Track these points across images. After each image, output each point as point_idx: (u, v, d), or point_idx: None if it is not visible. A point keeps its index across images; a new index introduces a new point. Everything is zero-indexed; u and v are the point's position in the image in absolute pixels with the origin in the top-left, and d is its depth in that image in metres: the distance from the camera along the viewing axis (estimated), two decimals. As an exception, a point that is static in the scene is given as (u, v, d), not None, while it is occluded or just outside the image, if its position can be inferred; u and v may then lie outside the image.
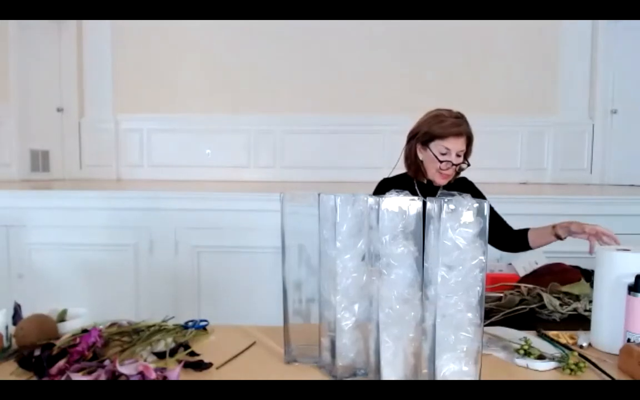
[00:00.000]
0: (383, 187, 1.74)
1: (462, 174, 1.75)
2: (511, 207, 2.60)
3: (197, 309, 2.66)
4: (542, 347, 1.11)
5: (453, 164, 1.62)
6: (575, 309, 1.58)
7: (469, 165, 1.68)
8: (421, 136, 1.66)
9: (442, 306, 0.84)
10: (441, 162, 1.62)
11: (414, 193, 1.54)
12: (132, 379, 0.88)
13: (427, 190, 1.72)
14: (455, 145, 1.62)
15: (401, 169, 1.78)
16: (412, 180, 1.75)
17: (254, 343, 1.15)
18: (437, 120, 1.64)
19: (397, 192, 0.92)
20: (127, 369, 0.89)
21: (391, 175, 1.80)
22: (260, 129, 4.08)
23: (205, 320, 1.23)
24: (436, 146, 1.63)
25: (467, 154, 1.68)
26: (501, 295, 1.73)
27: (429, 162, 1.66)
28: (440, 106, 1.75)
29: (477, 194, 1.76)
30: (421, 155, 1.69)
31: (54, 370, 0.93)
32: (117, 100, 4.12)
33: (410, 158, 1.72)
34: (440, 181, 1.67)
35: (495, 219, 1.75)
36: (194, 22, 3.74)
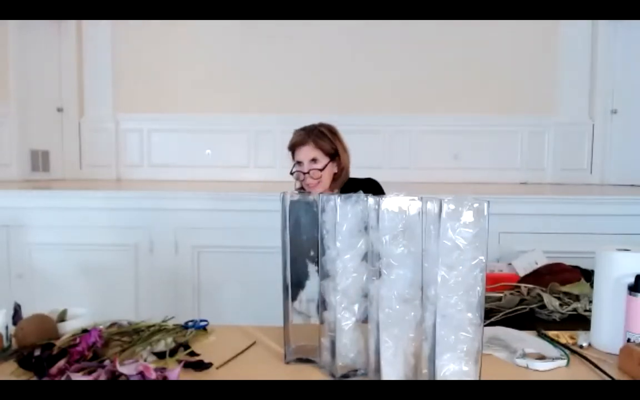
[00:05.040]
0: None
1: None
2: (511, 207, 2.62)
3: (197, 309, 2.66)
4: (542, 347, 1.11)
5: (302, 173, 1.77)
6: (575, 309, 1.58)
7: (339, 160, 1.81)
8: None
9: (442, 306, 0.83)
10: (293, 173, 1.80)
11: None
12: (132, 379, 0.87)
13: None
14: (303, 154, 1.77)
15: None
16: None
17: (254, 343, 1.15)
18: (292, 135, 1.82)
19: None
20: (127, 369, 0.89)
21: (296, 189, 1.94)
22: (260, 129, 4.08)
23: (205, 320, 1.23)
24: (295, 160, 1.80)
25: (339, 161, 1.81)
26: (501, 295, 1.73)
27: None
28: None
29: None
30: None
31: (54, 370, 0.93)
32: (117, 100, 4.11)
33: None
34: (310, 190, 1.79)
35: None
36: (194, 22, 3.74)
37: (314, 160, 1.76)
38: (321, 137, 1.78)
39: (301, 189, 1.89)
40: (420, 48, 3.94)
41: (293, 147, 1.80)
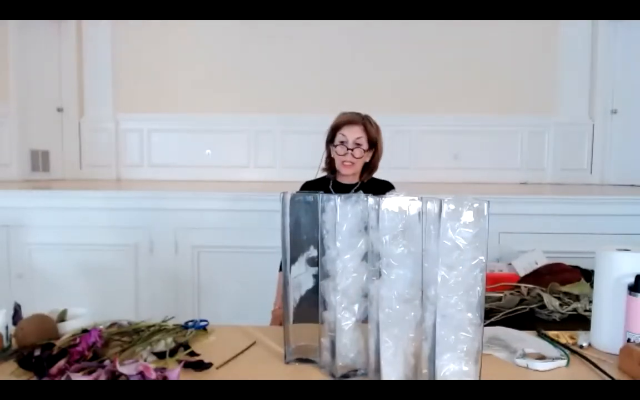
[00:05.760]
0: (305, 189, 1.94)
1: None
2: (511, 207, 2.62)
3: (197, 309, 2.66)
4: (542, 347, 1.11)
5: (348, 149, 1.80)
6: (575, 309, 1.58)
7: (375, 153, 1.88)
8: (329, 135, 1.88)
9: (442, 306, 0.83)
10: (336, 147, 1.83)
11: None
12: (132, 379, 0.87)
13: (342, 190, 1.87)
14: (350, 132, 1.82)
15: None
16: (329, 181, 1.93)
17: (254, 343, 1.15)
18: (337, 116, 1.88)
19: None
20: (127, 369, 0.89)
21: (314, 178, 1.99)
22: (260, 129, 4.08)
23: (205, 320, 1.23)
24: (337, 138, 1.84)
25: (375, 154, 1.87)
26: (501, 295, 1.73)
27: (335, 156, 1.85)
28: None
29: None
30: (332, 153, 1.87)
31: (54, 370, 0.93)
32: (117, 100, 4.12)
33: (328, 160, 1.92)
34: (344, 170, 1.85)
35: None
36: (194, 22, 3.74)
37: (358, 142, 1.81)
38: (370, 124, 1.86)
39: (327, 170, 1.94)
40: (420, 48, 3.94)
41: (341, 125, 1.84)
